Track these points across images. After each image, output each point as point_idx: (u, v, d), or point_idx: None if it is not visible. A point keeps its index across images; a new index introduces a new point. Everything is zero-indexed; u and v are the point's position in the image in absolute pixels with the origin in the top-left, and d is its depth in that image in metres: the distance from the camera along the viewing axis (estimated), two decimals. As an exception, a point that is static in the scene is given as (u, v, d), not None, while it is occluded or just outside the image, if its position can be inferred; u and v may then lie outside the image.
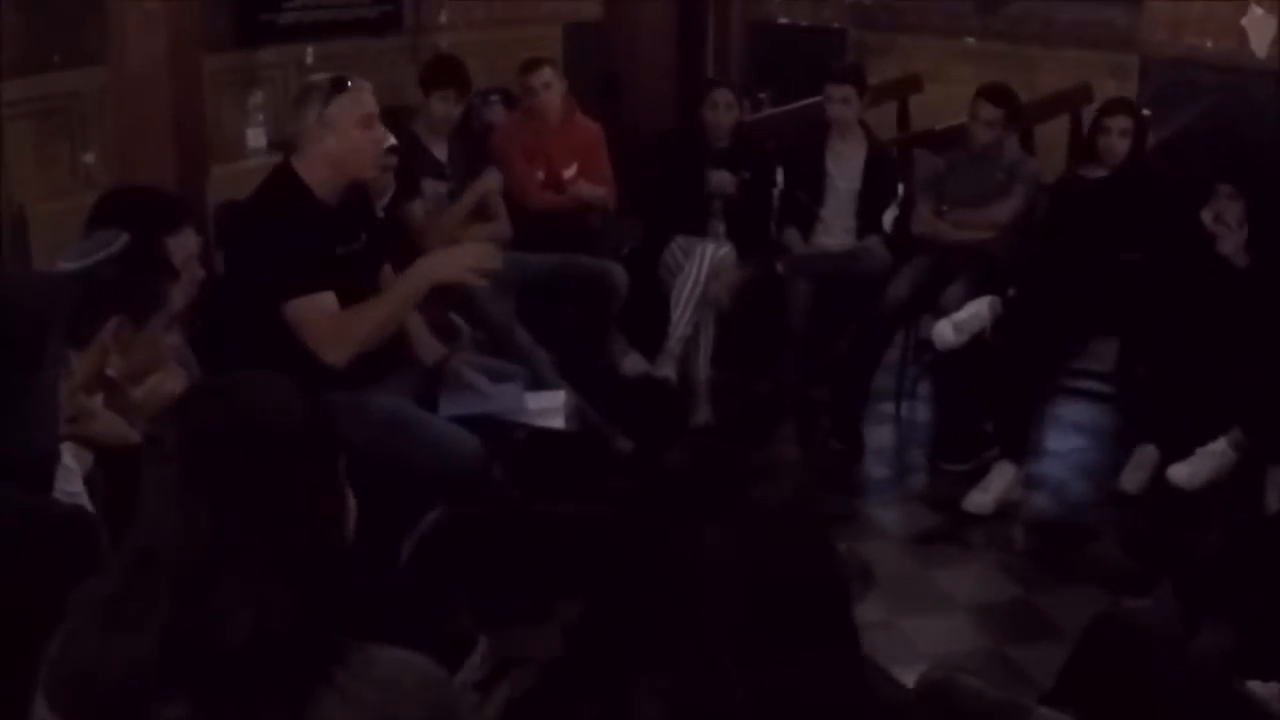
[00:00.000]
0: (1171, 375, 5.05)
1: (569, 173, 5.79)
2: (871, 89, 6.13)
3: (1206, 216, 5.01)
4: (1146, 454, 5.12)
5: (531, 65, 5.72)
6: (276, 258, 3.64)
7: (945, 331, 5.17)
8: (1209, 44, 7.69)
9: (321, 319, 3.64)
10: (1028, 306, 5.12)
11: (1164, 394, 5.12)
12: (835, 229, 5.74)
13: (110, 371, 2.72)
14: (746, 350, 5.77)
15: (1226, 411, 4.80)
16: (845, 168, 5.72)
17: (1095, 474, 5.33)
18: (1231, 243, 4.96)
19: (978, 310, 5.18)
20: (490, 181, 5.35)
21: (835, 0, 8.34)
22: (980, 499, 4.95)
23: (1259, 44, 7.61)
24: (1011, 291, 5.16)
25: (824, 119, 5.73)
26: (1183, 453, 4.77)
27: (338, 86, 3.84)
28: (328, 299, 3.67)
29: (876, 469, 5.39)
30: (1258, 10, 7.52)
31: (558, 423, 4.24)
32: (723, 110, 5.67)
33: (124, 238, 2.75)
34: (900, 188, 5.93)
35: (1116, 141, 5.35)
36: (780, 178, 5.85)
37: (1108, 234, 5.26)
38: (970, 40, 8.04)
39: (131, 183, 4.44)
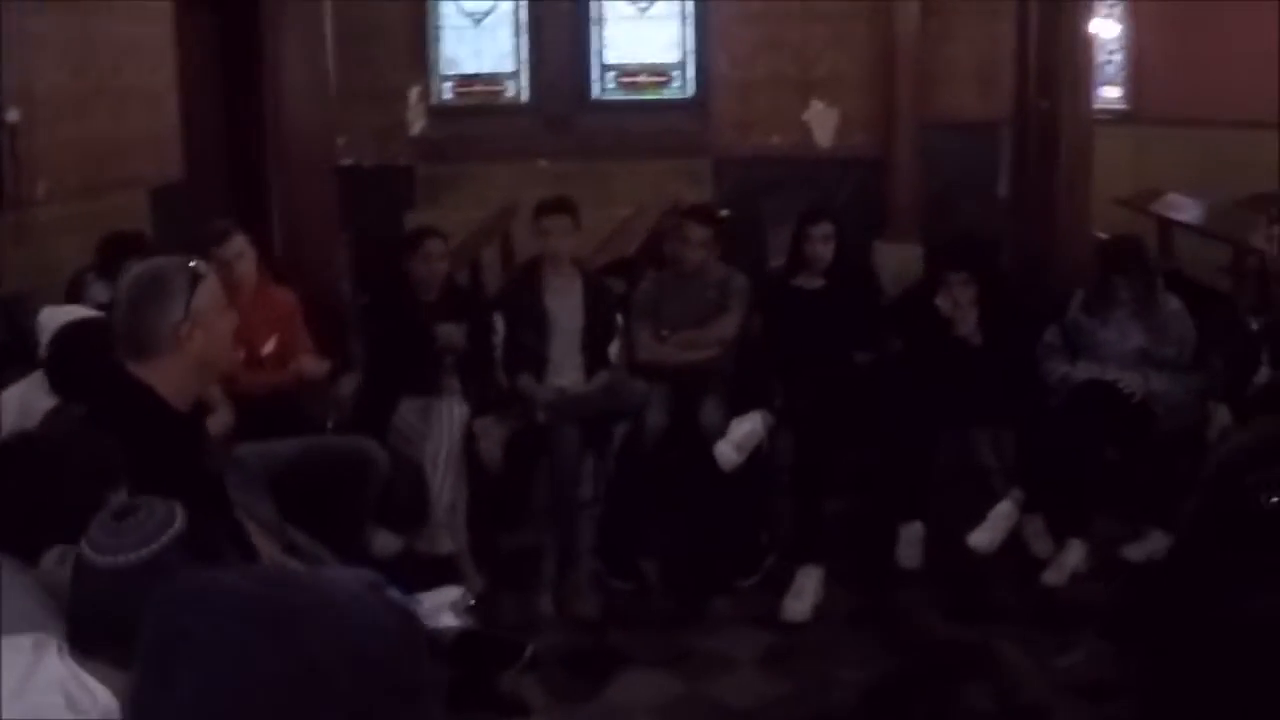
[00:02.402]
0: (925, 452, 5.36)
1: (268, 348, 5.23)
2: (480, 223, 6.06)
3: (943, 303, 5.36)
4: (913, 530, 5.36)
5: (219, 235, 5.11)
6: None
7: (728, 452, 5.19)
8: (775, 140, 8.29)
9: None
10: (798, 416, 5.26)
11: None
12: (565, 368, 5.56)
13: None
14: (508, 506, 5.44)
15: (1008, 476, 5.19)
16: (565, 305, 5.57)
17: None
18: (968, 324, 5.34)
19: (752, 427, 5.25)
20: None
21: (399, 136, 8.11)
22: (798, 606, 4.97)
23: (822, 135, 8.32)
24: (777, 403, 5.26)
25: (537, 257, 5.56)
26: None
27: (195, 272, 3.28)
28: None
29: (664, 601, 5.24)
30: (819, 105, 8.22)
31: (450, 620, 3.79)
32: (435, 261, 5.36)
33: (182, 515, 2.22)
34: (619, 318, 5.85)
35: (820, 248, 5.58)
36: (499, 324, 5.58)
37: (837, 338, 5.49)
38: (543, 163, 8.11)
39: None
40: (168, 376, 3.24)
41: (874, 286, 5.68)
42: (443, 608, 3.80)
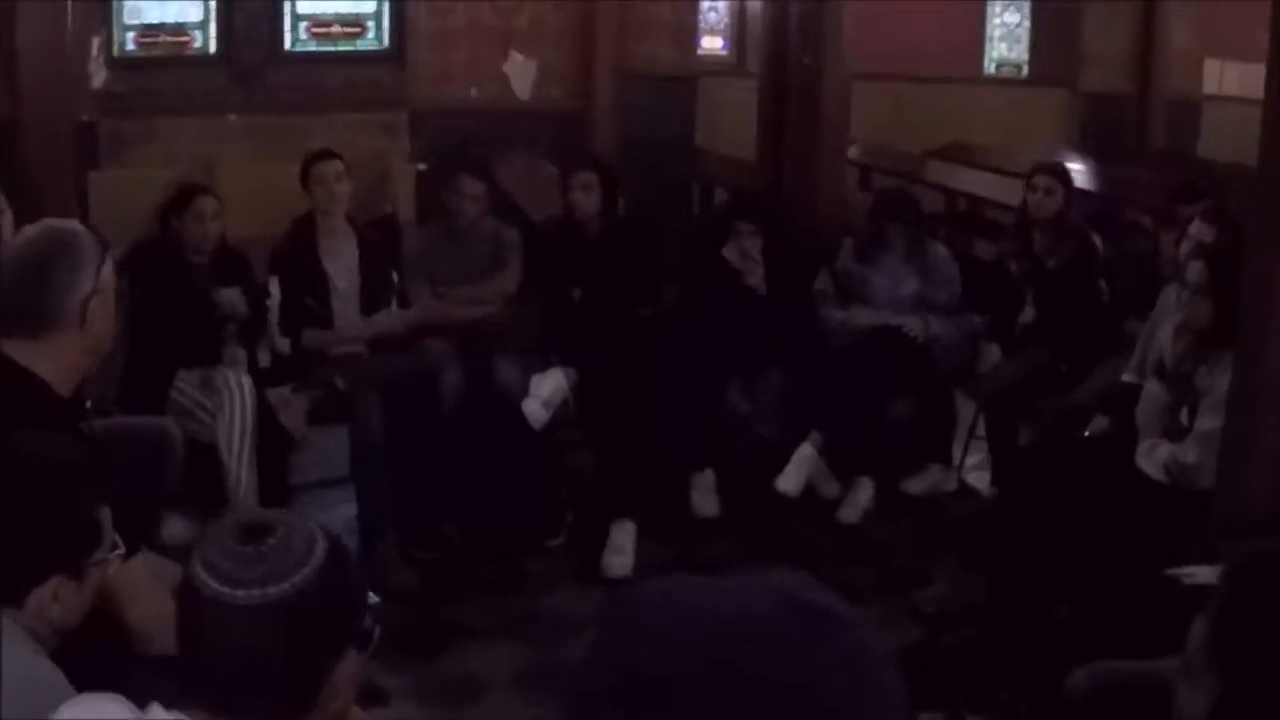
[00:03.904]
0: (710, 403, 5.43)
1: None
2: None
3: (731, 254, 5.43)
4: (705, 478, 5.43)
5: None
6: None
7: (536, 410, 5.10)
8: (473, 92, 8.11)
9: None
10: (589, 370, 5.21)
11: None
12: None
13: None
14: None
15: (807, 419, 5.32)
16: (341, 265, 5.26)
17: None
18: (757, 275, 5.44)
19: (557, 384, 5.15)
20: None
21: (82, 89, 7.39)
22: (620, 561, 4.95)
23: (520, 87, 8.20)
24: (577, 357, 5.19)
25: (308, 214, 5.22)
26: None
27: (101, 238, 2.95)
28: None
29: (478, 567, 5.08)
30: (518, 56, 8.09)
31: None
32: (210, 220, 4.93)
33: (322, 544, 1.79)
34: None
35: (581, 197, 5.50)
36: (275, 288, 5.20)
37: (616, 290, 5.46)
38: (233, 117, 7.60)
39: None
40: (60, 358, 2.90)
41: (650, 239, 5.66)
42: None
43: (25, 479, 2.25)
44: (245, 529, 1.75)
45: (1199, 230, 4.38)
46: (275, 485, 4.89)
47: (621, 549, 4.99)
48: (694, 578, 1.13)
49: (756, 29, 8.84)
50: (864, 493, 5.39)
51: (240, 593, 1.68)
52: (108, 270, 2.96)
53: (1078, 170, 7.96)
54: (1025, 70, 9.88)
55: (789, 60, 5.93)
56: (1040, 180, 5.43)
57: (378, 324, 5.24)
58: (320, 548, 1.75)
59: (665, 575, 1.15)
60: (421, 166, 7.74)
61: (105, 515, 2.31)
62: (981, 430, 5.60)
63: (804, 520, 5.39)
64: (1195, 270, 3.95)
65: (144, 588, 2.72)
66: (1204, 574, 3.40)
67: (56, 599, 2.19)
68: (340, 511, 5.32)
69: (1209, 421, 3.89)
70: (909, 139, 8.58)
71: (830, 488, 5.49)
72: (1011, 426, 5.28)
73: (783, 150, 6.04)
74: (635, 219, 5.83)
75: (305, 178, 5.20)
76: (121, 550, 2.46)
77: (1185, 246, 4.43)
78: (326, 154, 5.25)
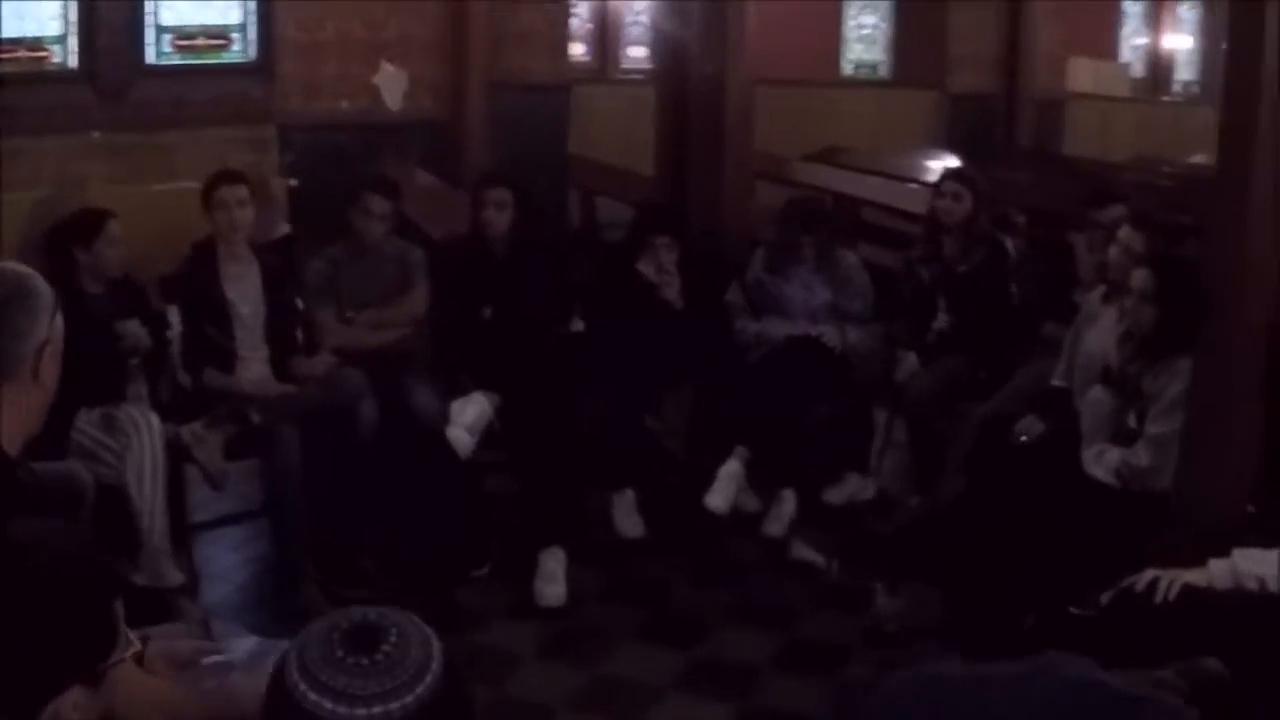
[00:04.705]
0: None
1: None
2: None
3: (647, 268, 5.33)
4: (626, 499, 5.33)
5: None
6: None
7: (461, 437, 4.96)
8: (344, 105, 7.87)
9: None
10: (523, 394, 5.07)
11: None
12: (252, 362, 5.02)
13: None
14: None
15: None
16: (245, 292, 5.02)
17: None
18: (673, 289, 5.36)
19: (480, 409, 5.02)
20: None
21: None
22: (553, 590, 4.82)
23: (392, 99, 7.99)
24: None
25: (208, 239, 4.97)
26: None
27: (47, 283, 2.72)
28: None
29: (406, 601, 4.88)
30: (388, 67, 7.88)
31: None
32: (116, 246, 4.67)
33: (437, 644, 1.58)
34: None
35: (494, 214, 5.36)
36: (174, 318, 4.93)
37: (528, 308, 5.33)
38: (97, 135, 7.22)
39: None
40: (13, 412, 2.63)
41: (559, 255, 5.54)
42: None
43: (34, 581, 1.95)
44: (353, 636, 1.52)
45: (1128, 236, 4.43)
46: (178, 524, 4.65)
47: (554, 576, 4.85)
48: (939, 669, 1.05)
49: (618, 34, 8.75)
50: (787, 505, 5.33)
51: (360, 712, 1.46)
52: (59, 319, 2.72)
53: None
54: (883, 72, 10.01)
55: (689, 68, 5.86)
56: (948, 186, 5.46)
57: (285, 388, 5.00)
58: (436, 649, 1.54)
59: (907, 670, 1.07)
60: (292, 182, 7.48)
61: (119, 610, 2.09)
62: (899, 438, 5.61)
63: (730, 537, 5.34)
64: (1141, 277, 3.99)
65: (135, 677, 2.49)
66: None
67: (75, 709, 1.97)
68: (250, 549, 5.11)
69: (1160, 425, 3.94)
70: (781, 144, 8.59)
71: (750, 502, 5.43)
72: (935, 434, 5.30)
73: (685, 161, 5.96)
74: (543, 235, 5.69)
75: (207, 201, 4.94)
76: (137, 646, 2.23)
77: (1114, 251, 4.48)
78: (230, 177, 5.01)
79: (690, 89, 5.87)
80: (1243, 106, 3.40)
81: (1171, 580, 3.32)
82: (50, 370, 2.70)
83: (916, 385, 5.41)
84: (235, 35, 7.60)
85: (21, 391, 2.67)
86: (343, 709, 1.46)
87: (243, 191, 4.97)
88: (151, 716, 2.39)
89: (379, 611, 1.59)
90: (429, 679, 1.50)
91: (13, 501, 2.58)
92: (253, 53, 7.65)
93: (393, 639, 1.52)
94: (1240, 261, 3.43)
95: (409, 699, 1.48)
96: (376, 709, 1.46)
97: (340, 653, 1.50)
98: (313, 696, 1.47)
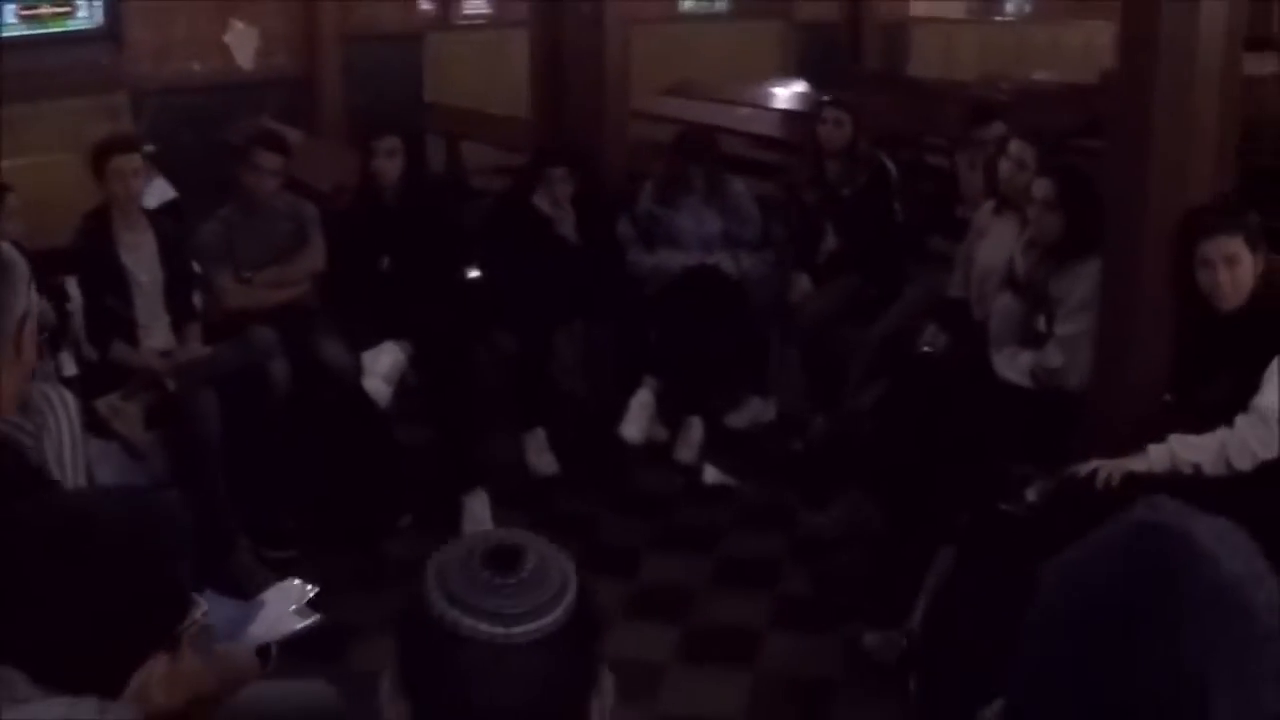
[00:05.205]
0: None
1: None
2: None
3: (542, 202, 5.38)
4: (537, 437, 5.41)
5: None
6: None
7: (378, 386, 4.96)
8: (196, 66, 7.70)
9: None
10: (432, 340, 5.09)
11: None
12: (155, 330, 4.93)
13: None
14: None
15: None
16: (142, 261, 4.92)
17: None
18: (568, 223, 5.42)
19: (394, 358, 5.03)
20: None
21: None
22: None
23: (243, 57, 7.83)
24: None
25: (101, 208, 4.85)
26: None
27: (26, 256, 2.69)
28: None
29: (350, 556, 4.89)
30: (239, 25, 7.71)
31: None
32: (11, 220, 4.53)
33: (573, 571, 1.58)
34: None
35: (385, 163, 5.33)
36: (74, 290, 4.81)
37: (431, 253, 5.34)
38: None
39: None
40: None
41: (453, 199, 5.55)
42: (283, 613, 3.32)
43: (109, 548, 1.91)
44: (493, 557, 1.50)
45: (1019, 149, 4.63)
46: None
47: (481, 519, 4.92)
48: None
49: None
50: (695, 432, 5.46)
51: (516, 630, 1.45)
52: (34, 291, 2.68)
53: (801, 97, 8.31)
54: (718, 4, 10.10)
55: (563, 10, 5.89)
56: (829, 113, 5.61)
57: (191, 352, 4.92)
58: (571, 562, 1.54)
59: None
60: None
61: (186, 570, 2.09)
62: (794, 360, 5.77)
63: (642, 468, 5.46)
64: (1044, 186, 4.19)
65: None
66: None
67: (156, 679, 1.97)
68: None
69: (1070, 326, 4.15)
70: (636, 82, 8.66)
71: (659, 431, 5.55)
72: (832, 353, 5.47)
73: (562, 101, 6.00)
74: (435, 180, 5.69)
75: (101, 171, 4.80)
76: (205, 607, 2.22)
77: (1005, 165, 4.67)
78: (124, 145, 4.89)
79: (566, 31, 5.91)
80: (1142, 13, 3.60)
81: (1113, 469, 3.54)
82: (29, 345, 2.66)
83: (811, 307, 5.58)
84: (81, 2, 7.37)
85: (5, 366, 2.63)
86: (500, 629, 1.44)
87: (137, 160, 4.87)
88: (177, 693, 2.35)
89: (508, 531, 1.59)
90: (571, 591, 1.49)
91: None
92: (99, 18, 7.44)
93: (532, 556, 1.51)
94: (1146, 157, 3.62)
95: (559, 612, 1.47)
96: (531, 625, 1.46)
97: (487, 574, 1.48)
98: (468, 621, 1.44)
